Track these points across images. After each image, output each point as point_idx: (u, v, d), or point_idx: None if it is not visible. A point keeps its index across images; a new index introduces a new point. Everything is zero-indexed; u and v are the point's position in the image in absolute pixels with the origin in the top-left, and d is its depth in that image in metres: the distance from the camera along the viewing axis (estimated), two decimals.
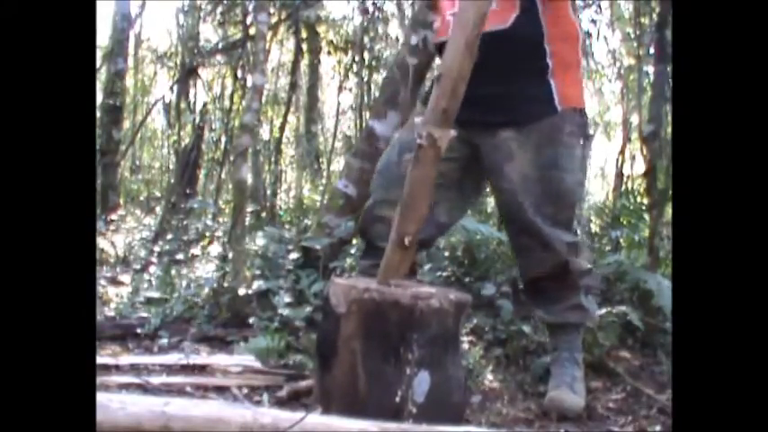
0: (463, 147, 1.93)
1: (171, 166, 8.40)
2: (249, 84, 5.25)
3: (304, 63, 8.20)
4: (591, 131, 2.06)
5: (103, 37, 7.69)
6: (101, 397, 1.17)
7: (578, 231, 1.98)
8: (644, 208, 3.29)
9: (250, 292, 2.65)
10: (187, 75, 7.03)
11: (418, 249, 2.06)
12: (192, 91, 7.60)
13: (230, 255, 2.96)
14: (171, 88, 7.38)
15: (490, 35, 1.77)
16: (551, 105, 1.87)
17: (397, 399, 1.45)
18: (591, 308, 2.00)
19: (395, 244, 1.60)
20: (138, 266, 4.36)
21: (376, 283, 1.59)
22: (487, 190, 2.32)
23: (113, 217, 5.82)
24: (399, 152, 1.98)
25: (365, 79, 6.57)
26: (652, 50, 4.10)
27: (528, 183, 1.87)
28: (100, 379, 1.85)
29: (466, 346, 2.32)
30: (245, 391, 1.94)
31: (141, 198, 9.61)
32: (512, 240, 2.03)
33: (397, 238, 1.59)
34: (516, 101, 1.87)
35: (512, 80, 1.86)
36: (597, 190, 9.42)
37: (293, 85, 7.10)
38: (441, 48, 1.79)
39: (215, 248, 3.82)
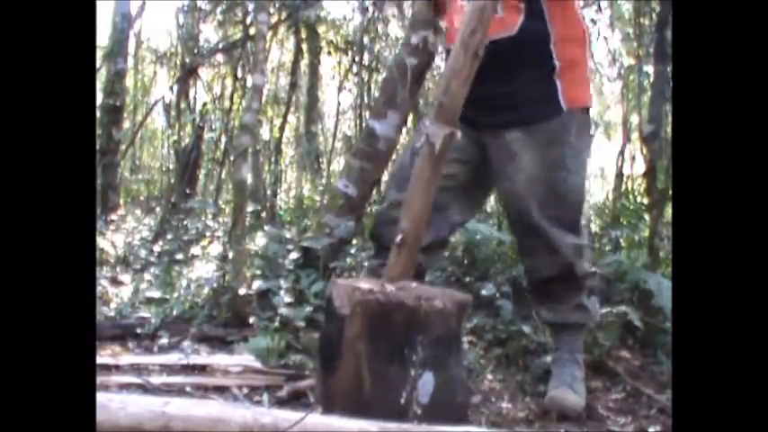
0: (474, 148, 1.94)
1: (171, 166, 8.38)
2: (249, 84, 5.25)
3: (304, 63, 8.18)
4: (592, 131, 2.06)
5: (103, 37, 7.66)
6: (101, 397, 1.17)
7: (583, 233, 1.97)
8: (644, 208, 3.29)
9: (250, 292, 2.65)
10: (187, 75, 7.02)
11: (436, 249, 2.07)
12: (192, 91, 7.58)
13: (230, 255, 2.95)
14: (171, 88, 7.36)
15: (497, 42, 1.79)
16: (557, 105, 1.87)
17: (402, 400, 1.45)
18: (593, 309, 2.01)
19: (395, 243, 1.61)
20: (138, 266, 4.36)
21: (382, 282, 1.59)
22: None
23: (113, 217, 5.81)
24: (412, 155, 1.99)
25: (365, 79, 6.57)
26: (652, 50, 4.10)
27: (534, 184, 1.86)
28: (100, 379, 1.85)
29: (466, 346, 2.32)
30: (245, 391, 1.94)
31: (141, 198, 9.59)
32: (518, 242, 2.03)
33: (397, 236, 1.60)
34: (523, 102, 1.87)
35: (519, 82, 1.86)
36: (597, 190, 9.41)
37: (293, 85, 7.09)
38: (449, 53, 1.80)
39: (215, 248, 3.81)
